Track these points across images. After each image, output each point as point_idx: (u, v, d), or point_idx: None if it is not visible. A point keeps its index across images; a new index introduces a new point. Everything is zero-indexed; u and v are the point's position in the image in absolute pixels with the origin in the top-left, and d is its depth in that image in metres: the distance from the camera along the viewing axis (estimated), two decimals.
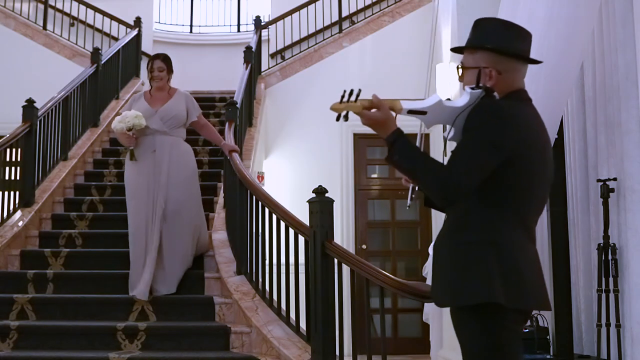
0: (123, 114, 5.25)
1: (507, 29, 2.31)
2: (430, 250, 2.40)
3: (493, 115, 2.14)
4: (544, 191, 2.23)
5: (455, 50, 2.41)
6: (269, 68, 10.07)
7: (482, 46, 2.26)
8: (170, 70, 5.63)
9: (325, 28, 10.50)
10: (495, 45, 2.26)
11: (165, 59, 5.61)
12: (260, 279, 5.06)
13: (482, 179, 2.09)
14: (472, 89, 2.18)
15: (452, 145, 2.20)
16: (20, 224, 6.02)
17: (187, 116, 5.53)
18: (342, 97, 2.04)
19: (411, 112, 2.14)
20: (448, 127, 2.20)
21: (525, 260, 2.14)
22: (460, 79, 2.32)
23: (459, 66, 2.33)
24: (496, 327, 2.11)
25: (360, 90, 2.06)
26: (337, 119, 2.11)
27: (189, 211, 5.36)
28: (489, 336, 2.10)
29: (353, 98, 2.06)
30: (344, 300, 4.12)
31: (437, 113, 2.15)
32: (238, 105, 7.06)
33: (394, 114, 2.14)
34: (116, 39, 10.12)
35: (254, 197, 5.15)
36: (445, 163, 2.11)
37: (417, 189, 2.29)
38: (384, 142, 2.13)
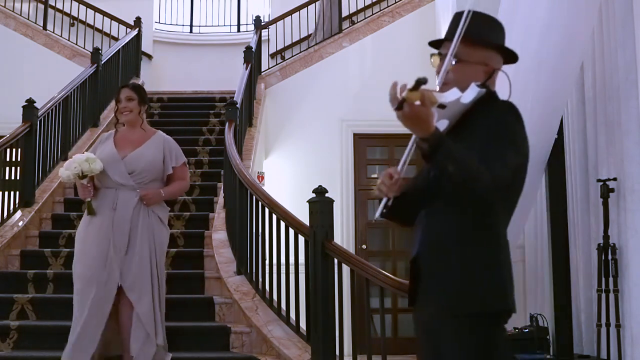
0: (72, 158, 4.17)
1: (502, 27, 2.24)
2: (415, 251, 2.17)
3: (518, 118, 2.10)
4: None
5: (435, 41, 2.28)
6: (269, 68, 10.06)
7: (492, 44, 2.18)
8: (142, 102, 4.37)
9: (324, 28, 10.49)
10: (502, 43, 2.20)
11: (136, 88, 4.40)
12: (260, 279, 5.07)
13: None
14: (479, 87, 2.11)
15: None
16: (20, 224, 6.02)
17: (164, 168, 4.31)
18: (418, 84, 1.84)
19: (439, 106, 2.03)
20: (442, 121, 2.08)
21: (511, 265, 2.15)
22: (438, 69, 2.16)
23: (444, 54, 2.16)
24: (501, 333, 2.11)
25: (426, 80, 1.86)
26: (399, 108, 1.86)
27: (147, 297, 4.15)
28: (494, 343, 2.06)
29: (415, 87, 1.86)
30: (344, 300, 4.12)
31: (451, 108, 2.07)
32: (238, 105, 7.06)
33: None
34: (116, 39, 10.12)
35: (254, 197, 5.15)
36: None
37: (389, 203, 2.09)
38: (422, 141, 1.92)
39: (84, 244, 4.14)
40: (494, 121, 2.06)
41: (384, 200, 2.09)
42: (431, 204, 2.19)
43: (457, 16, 2.20)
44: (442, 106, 2.02)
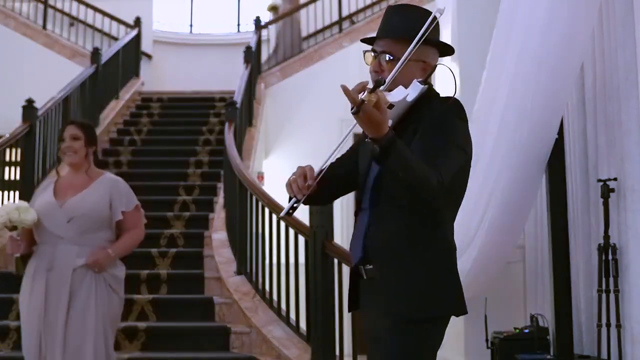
0: (2, 206, 3.63)
1: (435, 24, 2.12)
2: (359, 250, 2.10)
3: (463, 117, 2.07)
4: None
5: (367, 39, 2.26)
6: (269, 68, 10.06)
7: (431, 40, 2.10)
8: (90, 143, 3.67)
9: (325, 28, 10.50)
10: (436, 39, 2.14)
11: (84, 126, 3.72)
12: (260, 279, 5.07)
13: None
14: (421, 83, 2.06)
15: None
16: None
17: (111, 213, 3.63)
18: (376, 86, 1.82)
19: (389, 106, 1.96)
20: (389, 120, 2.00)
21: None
22: (379, 69, 2.13)
23: (380, 52, 2.13)
24: (441, 337, 2.12)
25: (383, 81, 1.87)
26: (357, 111, 1.81)
27: None
28: (434, 347, 2.08)
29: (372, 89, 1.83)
30: (344, 300, 4.12)
31: (398, 107, 2.03)
32: (238, 105, 7.07)
33: None
34: (116, 39, 10.12)
35: (254, 197, 5.15)
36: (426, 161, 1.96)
37: (296, 204, 2.02)
38: (374, 142, 1.87)
39: (22, 314, 3.61)
40: (438, 121, 2.02)
41: (292, 201, 2.02)
42: (347, 190, 2.24)
43: (390, 10, 2.19)
44: (390, 106, 1.98)
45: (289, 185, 2.04)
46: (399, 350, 2.01)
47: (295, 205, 2.02)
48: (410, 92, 2.05)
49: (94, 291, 3.44)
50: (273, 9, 10.17)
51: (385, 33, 2.15)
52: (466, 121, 2.08)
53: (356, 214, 2.17)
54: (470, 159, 2.13)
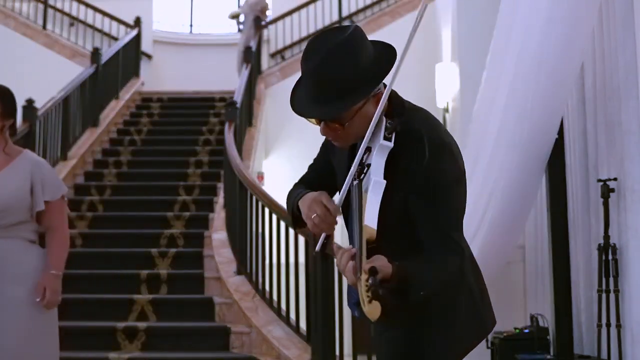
0: None
1: (380, 48, 1.87)
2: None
3: (454, 156, 1.81)
4: None
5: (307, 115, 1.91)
6: (269, 68, 10.06)
7: (369, 94, 1.79)
8: (5, 114, 2.99)
9: (325, 28, 10.50)
10: (382, 76, 1.82)
11: None
12: (260, 279, 5.07)
13: None
14: (388, 135, 1.77)
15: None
16: None
17: (32, 202, 2.94)
18: (375, 296, 1.57)
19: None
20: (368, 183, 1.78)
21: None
22: (332, 133, 1.83)
23: (334, 123, 1.80)
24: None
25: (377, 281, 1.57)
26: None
27: None
28: None
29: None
30: (344, 300, 4.11)
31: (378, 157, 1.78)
32: (238, 105, 7.07)
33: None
34: (116, 39, 10.13)
35: (254, 197, 5.15)
36: (425, 225, 1.77)
37: (331, 238, 1.88)
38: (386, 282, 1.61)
39: None
40: (428, 174, 1.75)
41: (324, 236, 1.85)
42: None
43: (311, 66, 1.81)
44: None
45: (315, 224, 1.81)
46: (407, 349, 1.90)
47: (324, 242, 1.87)
48: (378, 155, 1.77)
49: (18, 281, 2.89)
50: (234, 17, 10.12)
51: (315, 111, 1.83)
52: (456, 154, 1.81)
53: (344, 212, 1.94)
54: (465, 181, 1.88)
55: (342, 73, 1.75)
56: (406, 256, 1.75)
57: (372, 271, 1.57)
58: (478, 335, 1.95)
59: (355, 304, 1.96)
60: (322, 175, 2.08)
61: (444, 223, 1.78)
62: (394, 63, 1.84)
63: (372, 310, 1.57)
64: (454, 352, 1.91)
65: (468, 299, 1.90)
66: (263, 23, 10.04)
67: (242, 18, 10.21)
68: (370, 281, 1.56)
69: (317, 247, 1.90)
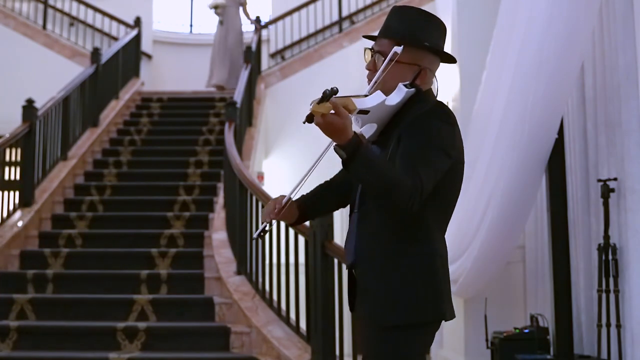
0: None
1: (437, 25, 2.11)
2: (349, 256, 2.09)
3: (446, 120, 1.99)
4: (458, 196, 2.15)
5: (370, 36, 2.20)
6: (269, 68, 10.06)
7: (422, 43, 2.06)
8: None
9: (325, 28, 10.50)
10: (434, 44, 2.07)
11: None
12: (260, 279, 5.07)
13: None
14: (407, 87, 2.00)
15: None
16: (20, 224, 6.02)
17: None
18: (323, 98, 1.78)
19: (360, 112, 1.94)
20: (370, 125, 2.02)
21: (448, 273, 2.09)
22: (373, 67, 2.09)
23: (376, 51, 2.10)
24: (427, 343, 2.05)
25: (336, 89, 1.79)
26: (309, 121, 1.84)
27: None
28: (419, 353, 2.01)
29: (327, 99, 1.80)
30: (344, 300, 4.11)
31: (376, 112, 1.97)
32: (238, 105, 7.07)
33: None
34: (116, 39, 10.12)
35: (254, 197, 5.15)
36: (401, 166, 1.92)
37: (267, 228, 2.08)
38: (340, 148, 1.86)
39: None
40: (421, 125, 1.97)
41: (263, 225, 2.10)
42: (345, 204, 2.22)
43: (392, 10, 2.14)
44: (364, 112, 1.95)
45: (263, 211, 2.12)
46: (381, 357, 1.99)
47: (265, 229, 2.09)
48: (392, 96, 1.99)
49: None
50: (216, 7, 9.97)
51: (382, 32, 2.12)
52: (451, 124, 2.00)
53: (350, 215, 2.16)
54: (459, 162, 2.03)
55: (413, 20, 2.09)
56: (388, 216, 1.98)
57: (327, 93, 1.77)
58: (433, 311, 1.99)
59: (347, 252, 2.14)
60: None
61: (415, 156, 1.92)
62: (439, 50, 2.10)
63: (319, 107, 1.79)
64: (409, 317, 1.97)
65: (428, 279, 1.99)
66: (256, 22, 10.00)
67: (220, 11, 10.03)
68: (329, 91, 1.77)
69: (255, 234, 2.11)
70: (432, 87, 2.12)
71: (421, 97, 2.04)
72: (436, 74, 2.14)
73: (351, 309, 2.16)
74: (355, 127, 1.95)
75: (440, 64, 2.15)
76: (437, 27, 2.10)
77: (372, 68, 2.10)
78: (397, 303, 1.97)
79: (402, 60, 2.00)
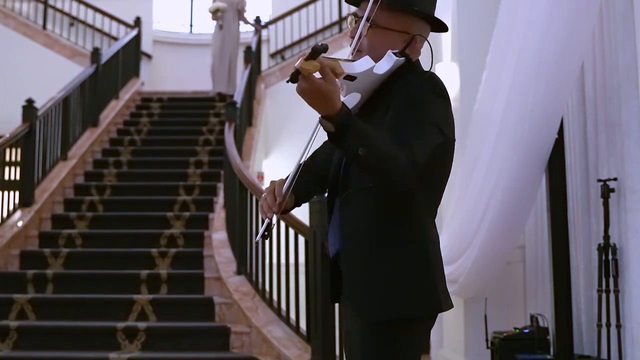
0: None
1: None
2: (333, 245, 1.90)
3: (440, 93, 1.82)
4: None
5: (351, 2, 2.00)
6: (269, 68, 10.05)
7: (413, 9, 1.88)
8: None
9: (325, 28, 10.50)
10: (427, 11, 1.91)
11: None
12: (260, 279, 5.07)
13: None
14: (396, 55, 1.83)
15: None
16: (20, 224, 6.02)
17: None
18: (314, 52, 1.57)
19: (347, 77, 1.75)
20: (354, 95, 1.82)
21: (441, 257, 1.92)
22: (352, 33, 1.91)
23: (359, 17, 1.90)
24: (422, 337, 1.88)
25: (327, 47, 1.57)
26: (293, 80, 1.63)
27: None
28: (416, 348, 1.85)
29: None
30: None
31: (363, 79, 1.80)
32: (238, 105, 7.07)
33: None
34: (116, 39, 10.12)
35: (254, 197, 5.15)
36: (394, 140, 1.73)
37: (272, 225, 1.84)
38: (326, 120, 1.65)
39: None
40: (412, 96, 1.78)
41: (266, 222, 1.83)
42: (335, 187, 1.95)
43: None
44: (351, 78, 1.76)
45: (260, 206, 1.86)
46: (369, 354, 1.82)
47: (271, 226, 1.83)
48: (381, 64, 1.82)
49: None
50: (216, 11, 9.88)
51: None
52: (445, 98, 1.83)
53: (329, 201, 1.96)
54: (450, 141, 1.86)
55: None
56: (373, 197, 1.81)
57: (318, 49, 1.55)
58: (427, 305, 1.83)
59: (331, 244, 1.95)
60: (319, 153, 2.13)
61: (407, 128, 1.74)
62: (428, 16, 1.93)
63: (306, 64, 1.57)
64: (397, 310, 1.81)
65: (421, 269, 1.83)
66: (256, 24, 10.00)
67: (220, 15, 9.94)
68: (320, 47, 1.55)
69: (257, 237, 1.87)
70: (428, 56, 1.92)
71: (411, 67, 1.88)
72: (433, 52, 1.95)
73: (333, 301, 2.00)
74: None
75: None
76: None
77: (353, 35, 1.90)
78: (388, 296, 1.80)
79: (391, 27, 1.87)
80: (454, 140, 1.89)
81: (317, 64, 1.58)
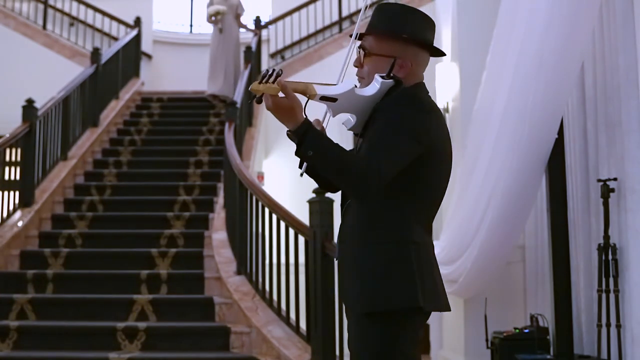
0: None
1: (421, 18, 2.14)
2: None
3: (415, 106, 2.01)
4: (445, 190, 2.13)
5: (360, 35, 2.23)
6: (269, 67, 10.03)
7: (399, 36, 2.09)
8: None
9: (325, 28, 10.49)
10: (413, 36, 2.09)
11: None
12: (260, 279, 5.07)
13: (399, 170, 1.94)
14: (383, 78, 2.05)
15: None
16: (20, 224, 6.02)
17: None
18: (263, 77, 1.85)
19: (323, 98, 1.98)
20: (350, 116, 2.09)
21: (434, 261, 2.08)
22: (359, 64, 2.16)
23: (362, 49, 2.16)
24: (406, 332, 2.00)
25: (281, 71, 1.87)
26: (251, 100, 1.94)
27: None
28: (397, 343, 1.98)
29: (272, 80, 1.86)
30: None
31: (347, 101, 2.00)
32: (238, 105, 7.07)
33: (303, 100, 1.96)
34: (116, 39, 10.12)
35: (254, 197, 5.15)
36: (362, 152, 1.97)
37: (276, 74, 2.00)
38: (291, 134, 1.92)
39: None
40: (385, 111, 2.00)
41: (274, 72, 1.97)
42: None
43: (379, 7, 2.19)
44: (331, 99, 1.98)
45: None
46: (362, 344, 2.01)
47: (279, 73, 1.94)
48: (370, 87, 2.05)
49: None
50: (217, 14, 9.80)
51: (366, 30, 2.18)
52: (425, 111, 2.02)
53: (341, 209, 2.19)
54: (437, 151, 2.03)
55: (392, 15, 2.14)
56: (361, 204, 2.02)
57: (268, 74, 1.84)
58: (402, 300, 1.96)
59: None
60: None
61: (376, 141, 1.94)
62: (423, 40, 2.13)
63: (260, 86, 1.85)
64: (373, 303, 1.98)
65: (401, 266, 1.98)
66: (263, 23, 10.01)
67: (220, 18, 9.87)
68: (272, 71, 1.84)
69: (302, 170, 2.08)
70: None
71: (400, 88, 2.06)
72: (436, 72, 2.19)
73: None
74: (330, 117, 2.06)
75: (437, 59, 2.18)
76: (420, 21, 2.13)
77: (357, 65, 2.16)
78: (367, 290, 1.99)
79: (380, 53, 2.09)
80: (446, 152, 2.07)
81: (276, 87, 1.85)
